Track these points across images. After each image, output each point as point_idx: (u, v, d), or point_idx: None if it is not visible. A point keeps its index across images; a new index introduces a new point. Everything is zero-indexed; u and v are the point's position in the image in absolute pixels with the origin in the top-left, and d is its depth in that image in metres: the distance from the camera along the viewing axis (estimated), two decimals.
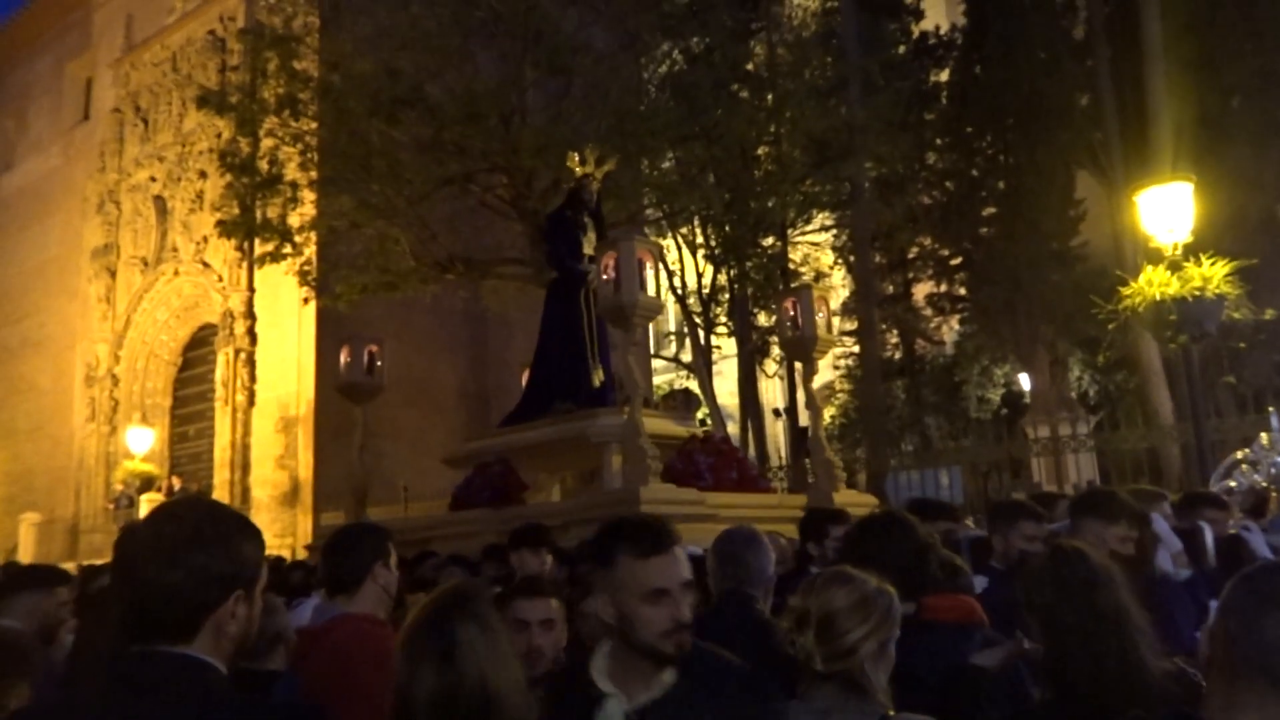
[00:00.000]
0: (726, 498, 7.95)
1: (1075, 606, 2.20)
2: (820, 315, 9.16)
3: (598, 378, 9.50)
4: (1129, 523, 3.30)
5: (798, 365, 25.58)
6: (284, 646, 3.03)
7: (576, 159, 9.92)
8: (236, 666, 1.69)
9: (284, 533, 19.15)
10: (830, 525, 4.72)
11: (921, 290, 25.43)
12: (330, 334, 18.62)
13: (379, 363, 10.45)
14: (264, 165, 14.88)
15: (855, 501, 8.41)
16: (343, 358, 10.44)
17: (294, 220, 14.93)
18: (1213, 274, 8.58)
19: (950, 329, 26.68)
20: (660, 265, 8.45)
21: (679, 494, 7.60)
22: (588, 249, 9.61)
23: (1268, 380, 15.17)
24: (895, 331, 26.12)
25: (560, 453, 9.33)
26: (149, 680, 1.55)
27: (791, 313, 9.19)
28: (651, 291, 8.05)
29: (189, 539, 1.61)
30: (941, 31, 23.30)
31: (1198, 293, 8.48)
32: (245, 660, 2.89)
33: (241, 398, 20.34)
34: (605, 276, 8.06)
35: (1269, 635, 1.45)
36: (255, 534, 1.71)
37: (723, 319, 21.96)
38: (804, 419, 28.94)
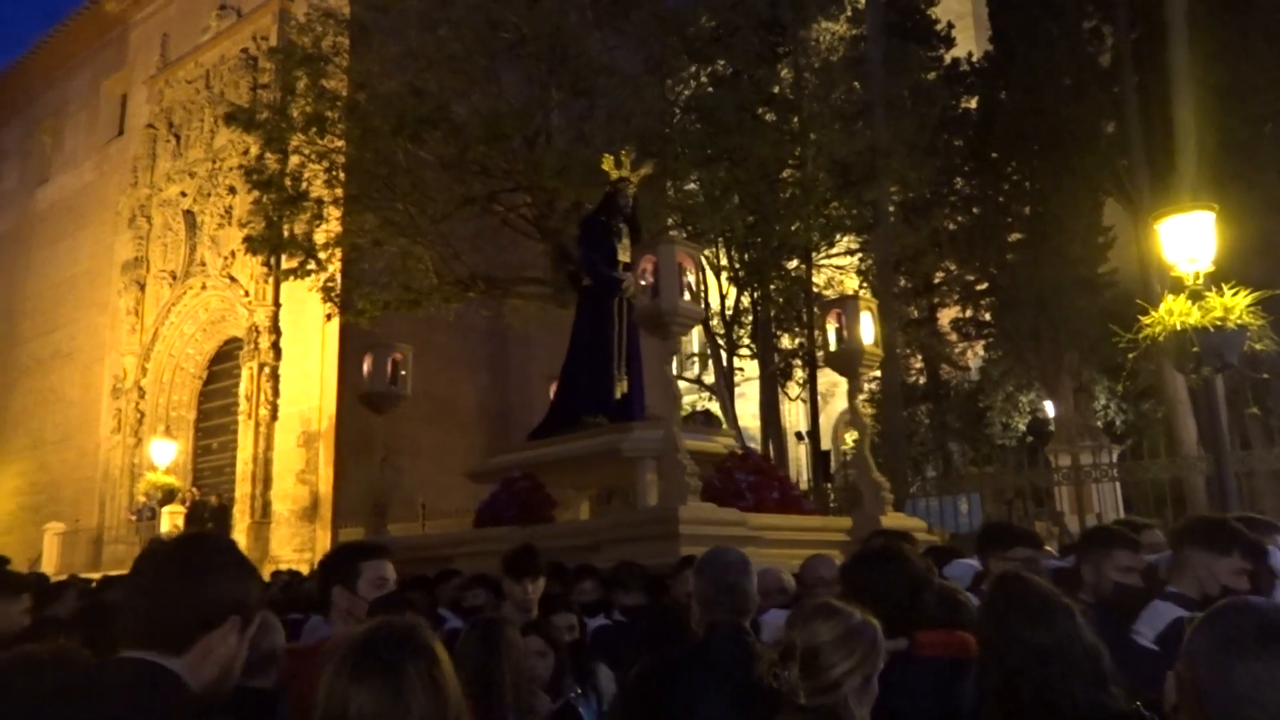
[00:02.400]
0: (769, 519, 7.59)
1: (1017, 641, 2.12)
2: (866, 327, 8.80)
3: (620, 389, 9.25)
4: (1243, 554, 3.01)
5: (820, 388, 25.51)
6: (277, 664, 3.05)
7: (612, 162, 9.64)
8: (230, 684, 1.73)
9: (303, 547, 19.27)
10: None
11: (946, 315, 25.29)
12: (352, 350, 18.77)
13: (402, 372, 10.31)
14: (290, 182, 15.06)
15: (903, 525, 7.99)
16: (365, 366, 10.30)
17: (319, 237, 15.11)
18: (1235, 304, 8.48)
19: (975, 354, 26.50)
20: (701, 271, 8.11)
21: (720, 514, 7.23)
22: (623, 256, 9.37)
23: None
24: (920, 356, 25.97)
25: (590, 468, 9.05)
26: (114, 682, 1.59)
27: (836, 325, 8.85)
28: (690, 298, 7.72)
29: (209, 562, 1.71)
30: (974, 58, 23.28)
31: (1219, 323, 8.39)
32: (241, 678, 2.93)
33: (264, 412, 20.51)
34: (643, 282, 7.75)
35: (1239, 685, 1.35)
36: (260, 579, 1.82)
37: (745, 341, 21.96)
38: (826, 442, 28.83)
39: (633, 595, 5.20)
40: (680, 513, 6.90)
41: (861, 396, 29.31)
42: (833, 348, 8.93)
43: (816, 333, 22.96)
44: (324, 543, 18.92)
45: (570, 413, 9.31)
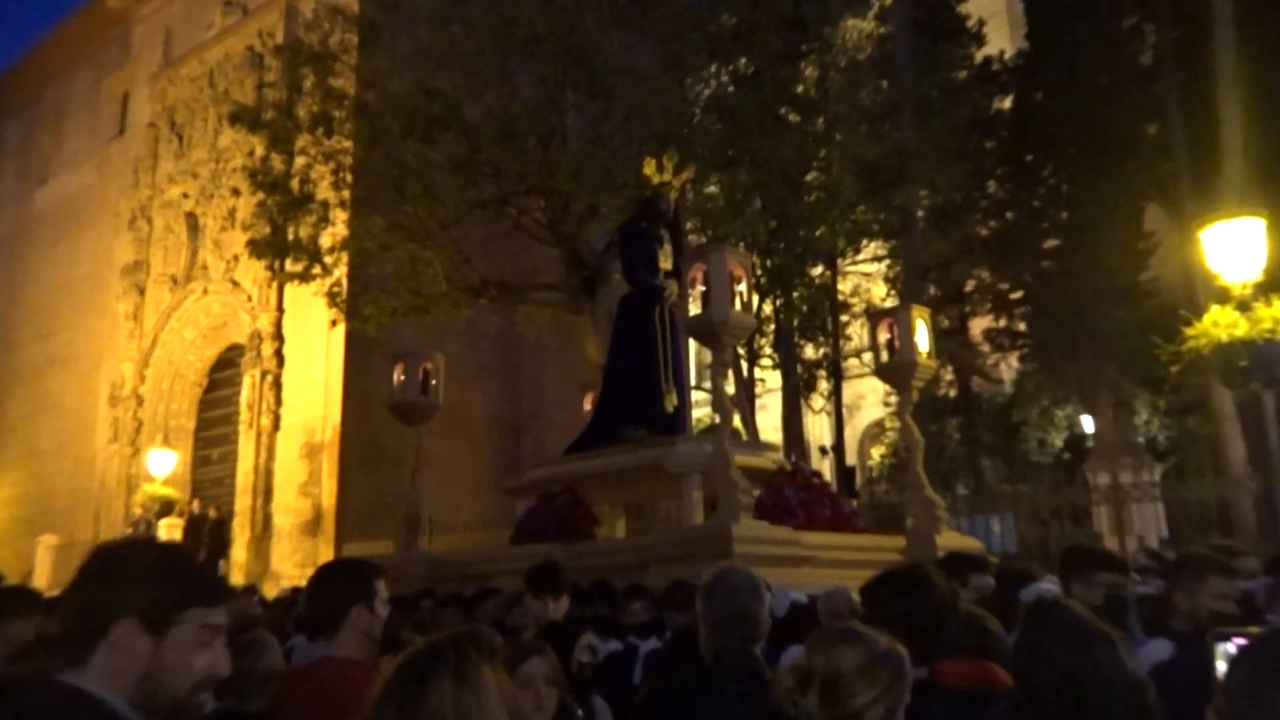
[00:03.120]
0: (822, 538, 7.58)
1: (1054, 671, 2.10)
2: (921, 338, 8.79)
3: (670, 402, 9.26)
4: None
5: (845, 400, 25.40)
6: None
7: (654, 166, 9.74)
8: (222, 706, 1.71)
9: (304, 563, 19.28)
10: (971, 573, 4.33)
11: (978, 325, 25.18)
12: (358, 358, 18.87)
13: (433, 382, 10.35)
14: (296, 184, 15.14)
15: (957, 546, 7.86)
16: (396, 375, 10.31)
17: (325, 241, 15.18)
18: None
19: (1009, 366, 26.36)
20: (750, 280, 8.17)
21: (774, 532, 7.25)
22: (664, 263, 9.48)
23: None
24: (950, 368, 25.86)
25: (632, 483, 9.10)
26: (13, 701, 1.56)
27: (887, 334, 8.83)
28: (740, 308, 7.76)
29: (115, 567, 1.68)
30: (1006, 57, 23.21)
31: (1269, 335, 8.33)
32: (231, 699, 2.93)
33: (266, 421, 20.58)
34: (692, 291, 7.87)
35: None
36: (179, 576, 1.71)
37: (767, 350, 21.93)
38: (851, 457, 28.74)
39: (687, 614, 5.15)
40: (734, 530, 6.90)
41: (889, 410, 29.21)
42: (884, 359, 8.89)
43: (842, 342, 22.99)
44: (327, 558, 18.93)
45: (610, 426, 9.38)
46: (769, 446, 10.27)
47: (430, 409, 10.41)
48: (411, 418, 10.38)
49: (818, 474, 9.04)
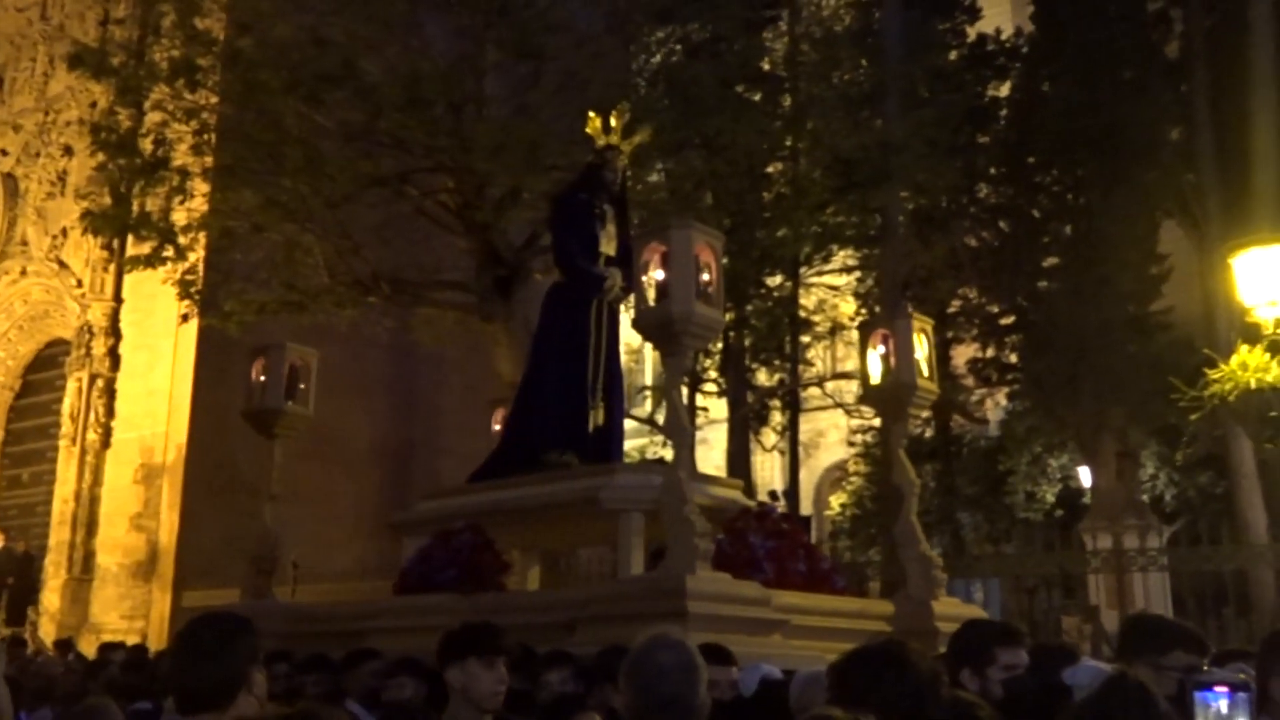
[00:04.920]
0: (796, 598, 7.31)
1: None
2: (921, 356, 8.64)
3: (594, 420, 8.97)
4: None
5: (802, 436, 25.58)
6: None
7: (599, 124, 9.31)
8: None
9: (134, 613, 18.91)
10: (998, 648, 4.17)
11: (962, 354, 25.58)
12: (213, 363, 18.57)
13: (303, 385, 10.02)
14: (148, 146, 14.90)
15: (957, 614, 7.75)
16: (255, 373, 9.96)
17: (179, 217, 14.97)
18: None
19: (996, 404, 26.84)
20: (720, 267, 7.78)
21: (739, 590, 6.92)
22: (606, 247, 9.09)
23: None
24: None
25: (553, 522, 8.75)
26: None
27: (882, 350, 8.66)
28: (706, 302, 7.37)
29: None
30: (1003, 36, 23.66)
31: None
32: None
33: (94, 437, 20.16)
34: (646, 277, 7.43)
35: None
36: None
37: (712, 374, 22.07)
38: (807, 505, 28.92)
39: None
40: (689, 584, 6.57)
41: (855, 450, 29.56)
42: (875, 380, 8.72)
43: (802, 367, 23.25)
44: (162, 608, 18.59)
45: (528, 448, 8.97)
46: (729, 482, 10.15)
47: (298, 419, 10.08)
48: (270, 428, 9.98)
49: (790, 517, 8.90)
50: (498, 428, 10.88)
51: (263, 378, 9.90)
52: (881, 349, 8.65)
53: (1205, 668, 2.30)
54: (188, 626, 3.07)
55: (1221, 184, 18.65)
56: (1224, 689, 1.98)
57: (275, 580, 10.15)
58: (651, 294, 7.37)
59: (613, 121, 9.32)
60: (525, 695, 5.34)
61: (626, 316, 9.31)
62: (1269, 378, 8.62)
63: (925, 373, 8.68)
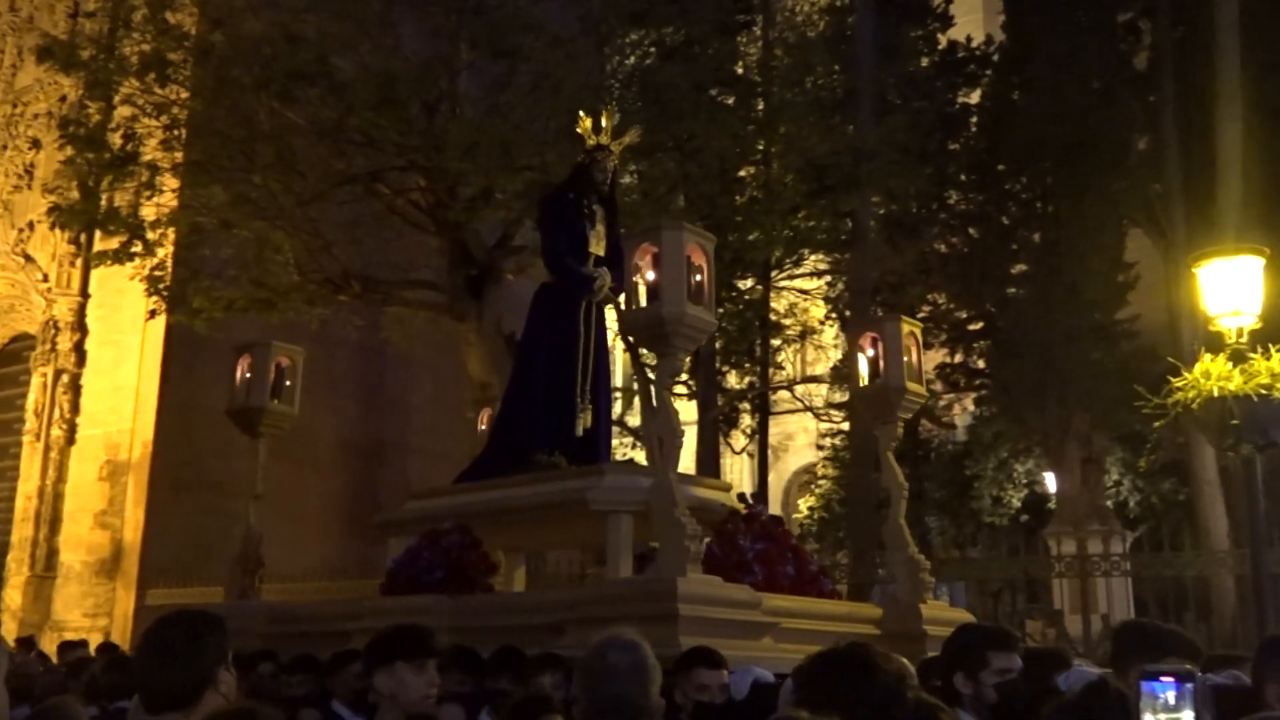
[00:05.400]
0: (786, 602, 7.31)
1: None
2: (910, 358, 8.62)
3: (583, 422, 8.95)
4: None
5: (772, 439, 25.68)
6: None
7: (589, 124, 9.28)
8: None
9: (97, 611, 18.77)
10: (991, 653, 4.18)
11: (931, 359, 25.78)
12: (181, 360, 18.47)
13: (289, 382, 10.02)
14: (117, 140, 14.81)
15: (945, 617, 7.91)
16: (240, 371, 9.96)
17: (148, 212, 14.86)
18: None
19: (963, 410, 27.05)
20: (712, 269, 7.75)
21: (730, 593, 6.92)
22: (595, 247, 9.08)
23: None
24: None
25: (540, 524, 8.73)
26: None
27: (870, 352, 8.65)
28: (706, 303, 7.39)
29: None
30: (974, 44, 23.84)
31: (1265, 391, 8.70)
32: None
33: (58, 433, 20.00)
34: (638, 278, 7.40)
35: None
36: None
37: (683, 376, 22.13)
38: (775, 507, 29.04)
39: None
40: (680, 587, 6.52)
41: (823, 454, 29.67)
42: (863, 382, 8.72)
43: (771, 371, 23.35)
44: (126, 606, 18.47)
45: (515, 449, 8.96)
46: (715, 483, 10.14)
47: (282, 417, 10.10)
48: (255, 427, 10.00)
49: (779, 520, 8.73)
50: (484, 428, 10.94)
51: (248, 375, 9.93)
52: (870, 351, 8.64)
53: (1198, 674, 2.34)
54: (155, 625, 3.07)
55: (1187, 194, 18.86)
56: (1170, 680, 2.05)
57: (214, 580, 10.13)
58: (643, 295, 7.37)
59: (603, 122, 9.30)
60: (507, 696, 5.34)
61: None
62: (1231, 386, 8.69)
63: (914, 377, 8.71)
